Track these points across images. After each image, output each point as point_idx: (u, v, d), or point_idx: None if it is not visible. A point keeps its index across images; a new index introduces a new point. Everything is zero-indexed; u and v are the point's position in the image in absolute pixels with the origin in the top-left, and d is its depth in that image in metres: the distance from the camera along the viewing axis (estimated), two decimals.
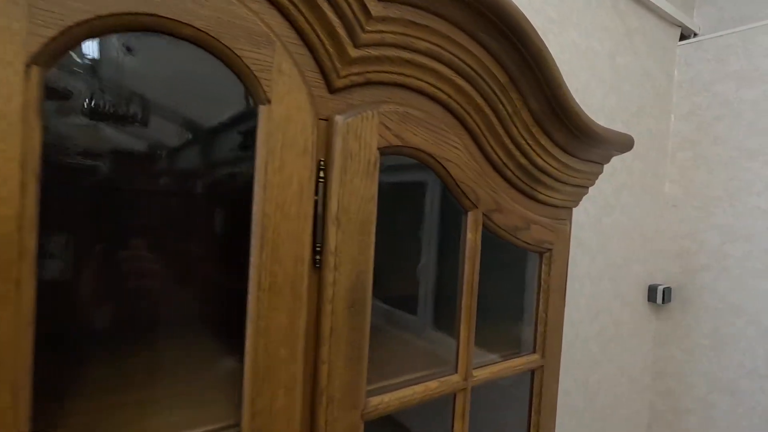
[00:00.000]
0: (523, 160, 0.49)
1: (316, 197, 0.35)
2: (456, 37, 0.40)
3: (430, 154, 0.41)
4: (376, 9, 0.35)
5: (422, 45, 0.38)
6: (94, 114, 0.29)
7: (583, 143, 0.51)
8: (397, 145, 0.39)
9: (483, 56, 0.42)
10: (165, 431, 0.33)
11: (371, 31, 0.35)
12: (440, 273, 0.53)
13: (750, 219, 1.31)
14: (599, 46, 1.22)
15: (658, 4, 1.33)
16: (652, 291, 1.45)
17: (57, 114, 0.28)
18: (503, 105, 0.45)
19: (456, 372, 0.46)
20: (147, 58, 0.31)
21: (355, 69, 0.36)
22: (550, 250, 0.54)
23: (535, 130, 0.48)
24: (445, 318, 0.50)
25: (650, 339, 1.50)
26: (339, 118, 0.36)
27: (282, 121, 0.32)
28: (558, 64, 0.45)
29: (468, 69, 0.42)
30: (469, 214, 0.46)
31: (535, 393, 0.54)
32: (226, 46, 0.30)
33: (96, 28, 0.26)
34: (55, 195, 0.27)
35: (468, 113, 0.44)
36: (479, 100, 0.44)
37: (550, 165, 0.50)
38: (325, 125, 0.36)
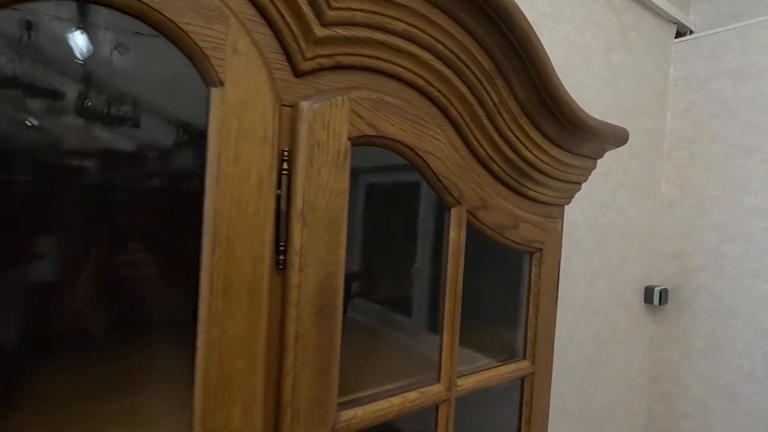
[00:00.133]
0: (510, 154, 0.46)
1: (279, 191, 0.32)
2: (435, 18, 0.37)
3: (408, 146, 0.38)
4: None
5: (398, 26, 0.35)
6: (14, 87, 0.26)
7: (575, 136, 0.48)
8: (371, 135, 0.36)
9: (465, 40, 0.39)
10: None
11: (339, 8, 0.32)
12: (436, 274, 0.51)
13: (747, 218, 1.29)
14: (594, 43, 1.20)
15: (654, 1, 1.31)
16: (648, 292, 1.42)
17: None
18: (488, 94, 0.42)
19: (439, 381, 0.43)
20: (83, 35, 0.28)
21: (323, 50, 0.33)
22: (540, 249, 0.50)
23: (523, 121, 0.45)
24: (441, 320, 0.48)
25: (647, 341, 1.48)
26: (305, 104, 0.32)
27: (237, 105, 0.29)
28: (551, 60, 0.42)
29: (449, 54, 0.39)
30: (452, 211, 0.42)
31: (525, 402, 0.51)
32: (169, 19, 0.26)
33: None
34: None
35: (450, 102, 0.41)
36: (462, 89, 0.41)
37: (540, 159, 0.47)
38: (290, 112, 0.33)
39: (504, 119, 0.44)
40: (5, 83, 0.25)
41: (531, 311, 0.51)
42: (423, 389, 0.41)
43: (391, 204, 0.49)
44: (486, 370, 0.47)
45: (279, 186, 0.32)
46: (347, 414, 0.36)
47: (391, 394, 0.41)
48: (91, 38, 0.28)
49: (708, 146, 1.38)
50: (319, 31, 0.32)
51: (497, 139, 0.44)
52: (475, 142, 0.44)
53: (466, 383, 0.44)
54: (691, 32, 1.46)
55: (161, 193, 0.32)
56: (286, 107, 0.32)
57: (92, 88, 0.29)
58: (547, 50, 0.42)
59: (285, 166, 0.32)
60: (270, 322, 0.32)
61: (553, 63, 0.43)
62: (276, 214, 0.32)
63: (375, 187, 0.46)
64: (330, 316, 0.34)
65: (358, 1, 0.32)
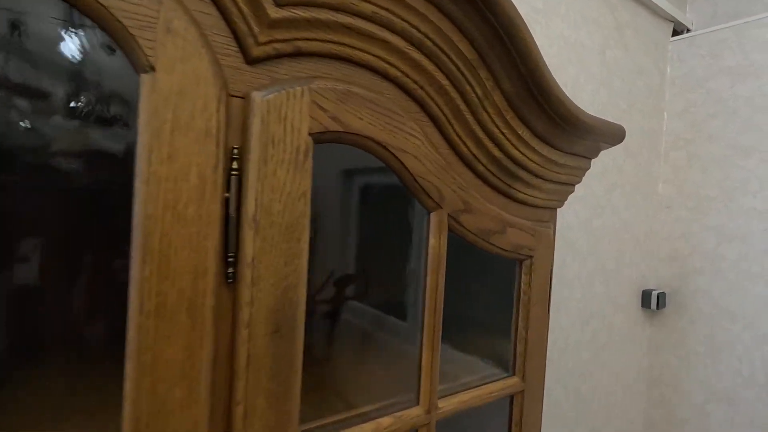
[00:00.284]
0: (496, 152, 0.42)
1: (227, 194, 0.28)
2: (410, 0, 0.33)
3: (380, 143, 0.34)
4: None
5: (366, 8, 0.31)
6: None
7: (566, 133, 0.44)
8: (336, 131, 0.32)
9: (444, 26, 0.35)
10: None
11: None
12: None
13: (745, 219, 1.27)
14: (589, 40, 1.17)
15: None
16: (646, 296, 1.39)
17: None
18: (471, 86, 0.38)
19: (417, 404, 0.39)
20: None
21: (280, 34, 0.29)
22: (530, 257, 0.47)
23: (510, 116, 0.41)
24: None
25: (644, 346, 1.45)
26: (257, 95, 0.28)
27: (173, 95, 0.25)
28: (545, 58, 0.39)
29: (426, 41, 0.35)
30: (432, 215, 0.38)
31: (514, 422, 0.47)
32: None
33: None
34: None
35: (428, 95, 0.37)
36: (442, 80, 0.37)
37: (529, 158, 0.43)
38: (241, 104, 0.29)
39: (489, 114, 0.40)
40: None
41: (520, 323, 0.47)
42: (399, 413, 0.37)
43: (386, 205, 0.45)
44: (470, 389, 0.43)
45: (227, 188, 0.28)
46: None
47: (364, 418, 0.37)
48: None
49: (706, 146, 1.35)
50: (274, 12, 0.28)
51: (482, 135, 0.41)
52: (457, 140, 0.40)
53: (447, 405, 0.41)
54: (688, 30, 1.43)
55: (89, 196, 0.28)
56: (235, 98, 0.28)
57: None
58: (540, 48, 0.39)
59: (235, 165, 0.28)
60: (218, 344, 0.28)
61: (547, 61, 0.39)
62: (224, 220, 0.28)
63: (370, 188, 0.43)
64: (289, 336, 0.30)
65: None
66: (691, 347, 1.36)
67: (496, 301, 0.50)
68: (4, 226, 0.26)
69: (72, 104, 0.26)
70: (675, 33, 1.43)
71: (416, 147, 0.36)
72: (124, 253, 0.25)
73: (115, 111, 0.27)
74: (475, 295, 0.53)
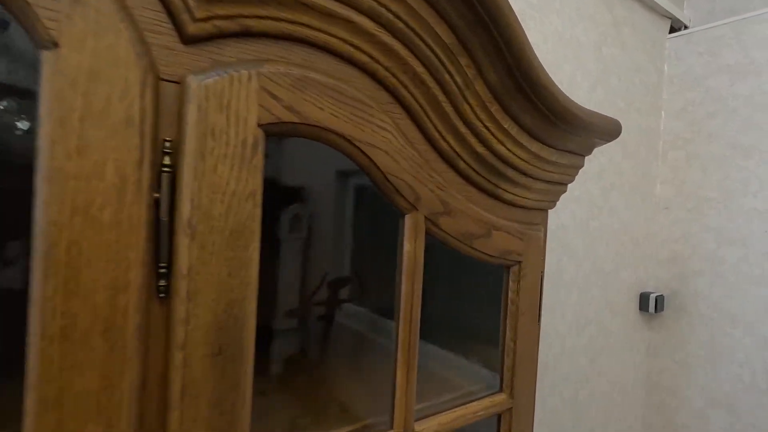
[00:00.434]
0: (480, 148, 0.38)
1: (157, 194, 0.24)
2: None
3: (344, 136, 0.30)
4: None
5: None
6: None
7: (557, 128, 0.40)
8: (292, 122, 0.28)
9: (419, 6, 0.31)
10: None
11: None
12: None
13: (746, 221, 1.23)
14: (584, 37, 1.14)
15: None
16: (644, 299, 1.36)
17: None
18: (450, 75, 0.34)
19: (392, 428, 0.35)
20: None
21: (222, 10, 0.25)
22: (518, 262, 0.43)
23: (494, 109, 0.37)
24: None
25: (642, 350, 1.41)
26: (193, 79, 0.24)
27: (82, 77, 0.21)
28: (540, 54, 0.35)
29: (398, 22, 0.31)
30: (407, 218, 0.34)
31: None
32: None
33: None
34: None
35: (402, 84, 0.33)
36: (417, 67, 0.33)
37: (516, 155, 0.39)
38: (176, 90, 0.25)
39: (471, 106, 0.36)
40: None
41: (508, 334, 0.43)
42: None
43: (381, 205, 0.42)
44: (453, 408, 0.39)
45: (157, 187, 0.24)
46: None
47: None
48: None
49: (705, 146, 1.32)
50: None
51: (463, 130, 0.37)
52: (435, 134, 0.36)
53: (426, 428, 0.36)
54: (686, 27, 1.40)
55: None
56: (169, 83, 0.24)
57: None
58: (535, 44, 0.35)
59: (167, 160, 0.24)
60: (149, 370, 0.24)
61: (541, 58, 0.35)
62: (154, 225, 0.24)
63: (365, 189, 0.40)
64: (234, 358, 0.26)
65: None
66: (691, 352, 1.32)
67: (490, 308, 0.47)
68: None
69: None
70: (672, 30, 1.40)
71: (387, 142, 0.32)
72: (26, 267, 0.21)
73: (13, 96, 0.23)
74: (469, 302, 0.49)
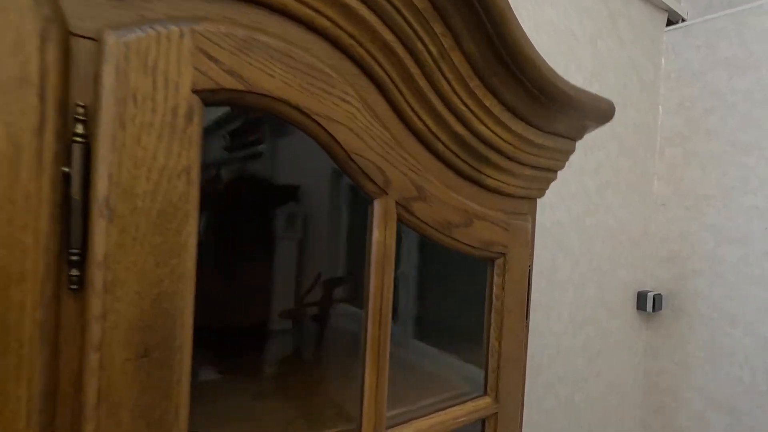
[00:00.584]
0: (459, 128, 0.34)
1: (67, 169, 0.20)
2: None
3: (299, 108, 0.26)
4: None
5: None
6: None
7: (544, 107, 0.37)
8: (235, 89, 0.24)
9: None
10: None
11: None
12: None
13: (745, 219, 1.20)
14: (579, 30, 1.11)
15: None
16: (641, 298, 1.33)
17: None
18: (424, 44, 0.31)
19: None
20: None
21: None
22: (503, 255, 0.39)
23: (474, 84, 0.33)
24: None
25: (641, 351, 1.38)
26: (110, 35, 0.21)
27: None
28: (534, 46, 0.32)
29: None
30: (375, 203, 0.31)
31: None
32: None
33: None
34: None
35: (369, 53, 0.30)
36: (386, 34, 0.30)
37: (499, 136, 0.36)
38: (92, 47, 0.21)
39: (448, 81, 0.33)
40: None
41: (492, 333, 0.40)
42: None
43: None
44: (429, 416, 0.35)
45: (67, 161, 0.20)
46: None
47: None
48: None
49: (703, 142, 1.29)
50: None
51: (440, 108, 0.33)
52: (408, 111, 0.32)
53: None
54: (683, 20, 1.37)
55: None
56: (83, 39, 0.21)
57: None
58: (528, 35, 0.31)
59: (79, 129, 0.21)
60: (59, 374, 0.21)
61: (536, 49, 0.32)
62: (64, 204, 0.20)
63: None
64: (165, 361, 0.23)
65: None
66: (690, 352, 1.29)
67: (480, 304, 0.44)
68: None
69: None
70: (669, 23, 1.37)
71: (351, 117, 0.29)
72: None
73: None
74: (458, 298, 0.47)
